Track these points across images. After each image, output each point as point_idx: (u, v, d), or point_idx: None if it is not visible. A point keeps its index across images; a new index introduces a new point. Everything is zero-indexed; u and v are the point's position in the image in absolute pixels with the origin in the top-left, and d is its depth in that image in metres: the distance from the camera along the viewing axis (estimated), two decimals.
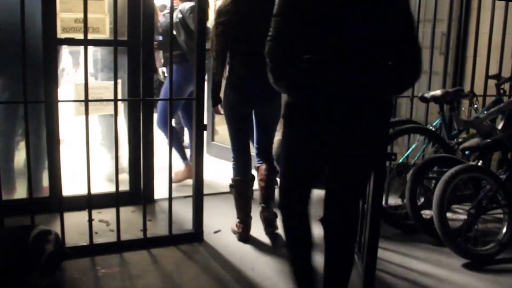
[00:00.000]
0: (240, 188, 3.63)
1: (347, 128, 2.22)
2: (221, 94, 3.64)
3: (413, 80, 2.36)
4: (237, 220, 3.68)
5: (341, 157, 2.31)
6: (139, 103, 3.76)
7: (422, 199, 3.89)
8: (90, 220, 3.26)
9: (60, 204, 3.21)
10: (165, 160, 3.53)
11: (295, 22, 2.17)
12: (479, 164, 3.71)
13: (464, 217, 3.67)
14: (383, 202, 3.88)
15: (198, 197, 3.54)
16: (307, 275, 2.45)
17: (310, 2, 2.14)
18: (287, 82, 2.27)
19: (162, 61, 5.21)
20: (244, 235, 3.62)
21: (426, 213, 3.75)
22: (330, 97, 2.18)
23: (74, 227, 3.53)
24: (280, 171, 2.54)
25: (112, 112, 3.34)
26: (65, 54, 4.80)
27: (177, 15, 4.50)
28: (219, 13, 3.41)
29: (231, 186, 3.76)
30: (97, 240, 3.35)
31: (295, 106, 2.29)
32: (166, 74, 5.28)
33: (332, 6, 2.13)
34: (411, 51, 2.28)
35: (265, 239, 3.64)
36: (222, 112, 3.76)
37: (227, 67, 3.53)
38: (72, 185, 4.18)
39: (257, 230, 3.76)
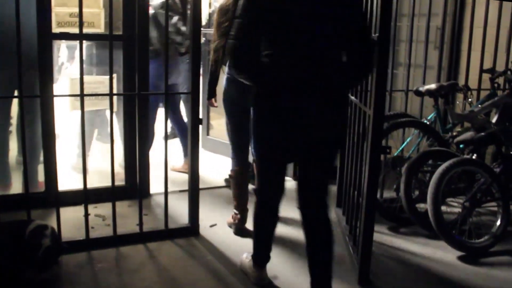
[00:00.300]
0: (239, 179, 3.65)
1: (309, 115, 2.43)
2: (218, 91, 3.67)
3: (367, 72, 2.65)
4: (234, 212, 3.69)
5: (307, 140, 2.51)
6: (135, 97, 3.75)
7: (417, 193, 3.91)
8: (86, 214, 3.26)
9: (57, 198, 3.22)
10: (161, 155, 3.54)
11: (256, 23, 2.41)
12: (474, 157, 3.73)
13: (459, 210, 3.69)
14: (378, 195, 3.91)
15: (194, 191, 3.54)
16: (268, 246, 2.96)
17: (271, 4, 2.37)
18: (248, 74, 2.51)
19: None
20: (240, 227, 3.64)
21: (421, 206, 3.77)
22: (291, 88, 2.40)
23: (70, 222, 3.53)
24: (255, 157, 2.80)
25: (107, 106, 3.34)
26: (63, 48, 4.78)
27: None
28: (221, 11, 3.41)
29: (229, 177, 3.79)
30: (94, 234, 3.35)
31: (261, 96, 2.52)
32: None
33: (293, 7, 2.35)
34: (365, 47, 2.52)
35: None
36: (216, 105, 3.79)
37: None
38: (68, 180, 4.20)
39: (251, 224, 3.77)
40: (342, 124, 2.62)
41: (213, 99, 3.81)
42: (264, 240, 2.94)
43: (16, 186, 3.91)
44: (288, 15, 2.35)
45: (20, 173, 3.89)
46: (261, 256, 2.96)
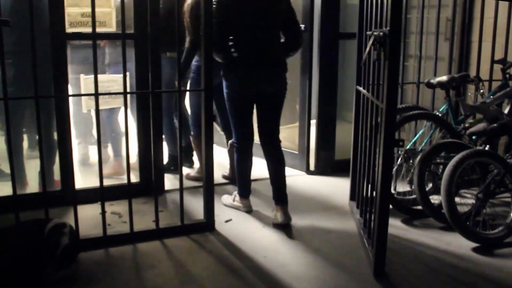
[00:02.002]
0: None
1: (264, 74, 3.66)
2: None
3: (297, 47, 3.84)
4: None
5: (260, 92, 3.69)
6: (148, 95, 3.79)
7: (430, 185, 3.92)
8: (103, 212, 3.30)
9: (74, 197, 3.26)
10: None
11: (223, 21, 3.56)
12: (486, 148, 3.73)
13: (472, 201, 3.69)
14: (392, 188, 3.91)
15: (208, 186, 3.57)
16: (249, 181, 4.00)
17: (232, 7, 3.57)
18: (223, 54, 3.63)
19: None
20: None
21: (435, 198, 3.78)
22: (248, 60, 3.61)
23: (87, 219, 3.58)
24: (230, 116, 3.79)
25: (121, 105, 3.37)
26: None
27: None
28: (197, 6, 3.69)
29: (231, 146, 4.15)
30: (111, 231, 3.40)
31: (228, 66, 3.65)
32: None
33: (246, 8, 3.59)
34: (295, 30, 3.77)
35: (275, 228, 3.68)
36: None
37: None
38: (83, 178, 4.25)
39: (268, 219, 3.81)
40: (283, 82, 3.73)
41: None
42: (247, 177, 3.94)
43: (32, 185, 3.96)
44: (243, 13, 3.58)
45: (35, 172, 3.94)
46: (246, 190, 3.96)
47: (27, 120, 4.02)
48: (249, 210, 3.96)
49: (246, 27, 3.60)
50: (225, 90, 3.70)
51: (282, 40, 3.74)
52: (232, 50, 3.58)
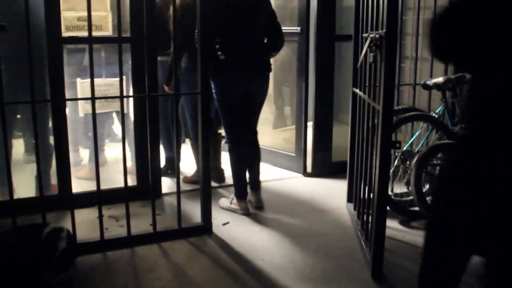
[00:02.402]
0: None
1: (251, 75, 3.80)
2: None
3: (279, 47, 3.96)
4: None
5: (249, 91, 3.84)
6: (145, 99, 3.78)
7: (427, 186, 3.92)
8: (101, 216, 3.29)
9: (71, 201, 3.26)
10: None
11: (210, 23, 3.47)
12: None
13: None
14: (389, 190, 3.92)
15: (206, 189, 3.57)
16: (246, 183, 4.06)
17: (218, 11, 3.63)
18: (213, 55, 3.68)
19: None
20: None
21: None
22: (238, 62, 3.73)
23: (85, 223, 3.58)
24: (221, 116, 3.90)
25: (118, 108, 3.37)
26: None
27: None
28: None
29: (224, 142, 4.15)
30: (108, 235, 3.39)
31: (216, 68, 3.69)
32: None
33: (231, 12, 3.69)
34: (277, 31, 3.92)
35: (272, 229, 3.68)
36: (169, 90, 4.21)
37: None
38: (78, 182, 4.25)
39: (264, 221, 3.81)
40: (267, 81, 3.91)
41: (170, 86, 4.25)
42: (242, 178, 3.98)
43: (27, 190, 3.94)
44: (229, 17, 3.69)
45: (31, 175, 3.92)
46: (242, 191, 3.97)
47: (24, 124, 4.01)
48: (246, 213, 3.96)
49: (232, 30, 3.71)
50: (214, 92, 3.79)
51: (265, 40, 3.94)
52: (219, 53, 3.68)
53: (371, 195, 3.11)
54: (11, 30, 3.10)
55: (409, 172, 3.91)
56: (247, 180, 4.07)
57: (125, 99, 3.62)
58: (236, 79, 3.75)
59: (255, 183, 4.12)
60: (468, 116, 1.84)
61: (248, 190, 4.08)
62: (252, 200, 4.10)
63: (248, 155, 4.02)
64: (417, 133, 4.26)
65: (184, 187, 4.36)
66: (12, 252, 2.78)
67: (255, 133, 4.07)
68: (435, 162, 3.91)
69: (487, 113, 1.74)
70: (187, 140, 4.90)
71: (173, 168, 4.61)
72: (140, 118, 4.01)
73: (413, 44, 4.64)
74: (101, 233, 3.31)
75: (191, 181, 4.61)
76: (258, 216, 3.92)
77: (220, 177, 4.69)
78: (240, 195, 3.99)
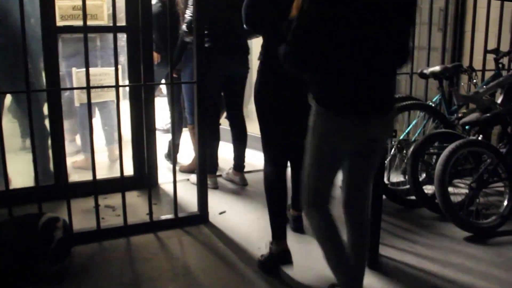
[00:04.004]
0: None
1: (233, 60, 4.06)
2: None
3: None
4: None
5: (231, 75, 4.11)
6: (140, 88, 3.77)
7: (423, 175, 3.93)
8: (97, 205, 3.29)
9: (67, 190, 3.25)
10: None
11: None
12: (480, 138, 3.74)
13: (466, 191, 3.71)
14: (385, 179, 3.92)
15: (202, 178, 3.57)
16: (215, 156, 4.33)
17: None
18: None
19: None
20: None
21: (428, 188, 3.79)
22: (223, 48, 3.96)
23: (81, 213, 3.57)
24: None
25: (113, 98, 3.35)
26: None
27: None
28: None
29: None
30: (104, 225, 3.39)
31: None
32: None
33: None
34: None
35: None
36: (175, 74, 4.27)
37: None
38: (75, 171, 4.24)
39: (260, 210, 3.81)
40: (247, 64, 4.16)
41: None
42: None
43: (27, 179, 3.93)
44: (216, 6, 3.84)
45: (27, 164, 3.90)
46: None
47: (21, 112, 3.99)
48: (215, 187, 4.24)
49: (218, 19, 3.88)
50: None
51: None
52: (206, 39, 3.77)
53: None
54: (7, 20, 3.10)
55: (405, 161, 3.91)
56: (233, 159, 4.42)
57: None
58: (220, 64, 4.01)
59: (242, 164, 4.41)
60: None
61: (230, 170, 4.44)
62: (237, 179, 4.38)
63: (236, 139, 4.33)
64: (413, 122, 4.26)
65: (180, 176, 4.35)
66: (8, 242, 2.78)
67: (243, 118, 4.36)
68: (431, 151, 3.91)
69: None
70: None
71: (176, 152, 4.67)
72: (136, 107, 3.99)
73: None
74: (97, 223, 3.30)
75: (188, 169, 4.63)
76: (254, 205, 3.92)
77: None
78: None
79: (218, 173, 4.46)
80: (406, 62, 2.29)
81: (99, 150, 4.66)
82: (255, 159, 4.59)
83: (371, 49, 2.07)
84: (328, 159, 2.29)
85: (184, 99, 4.47)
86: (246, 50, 4.17)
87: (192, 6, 3.65)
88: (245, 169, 4.44)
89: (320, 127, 2.22)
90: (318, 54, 2.09)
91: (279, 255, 2.97)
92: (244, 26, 2.83)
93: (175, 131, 4.66)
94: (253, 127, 4.14)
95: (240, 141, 4.36)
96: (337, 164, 2.34)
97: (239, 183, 4.38)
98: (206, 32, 3.72)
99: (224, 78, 4.08)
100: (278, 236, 2.99)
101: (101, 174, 3.75)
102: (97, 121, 4.82)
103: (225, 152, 4.73)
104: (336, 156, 2.29)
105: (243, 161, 4.40)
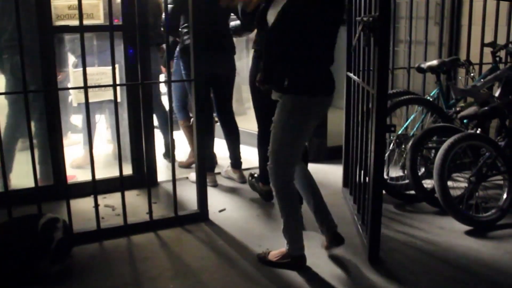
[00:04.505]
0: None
1: (218, 58, 4.10)
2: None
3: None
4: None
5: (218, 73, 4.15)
6: (138, 87, 3.76)
7: (422, 169, 3.93)
8: (96, 205, 3.29)
9: (66, 191, 3.24)
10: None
11: (180, 10, 3.90)
12: (478, 132, 3.74)
13: (465, 185, 3.71)
14: (384, 174, 3.92)
15: (201, 176, 3.56)
16: (213, 153, 4.45)
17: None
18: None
19: None
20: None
21: (427, 183, 3.80)
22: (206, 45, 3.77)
23: (81, 213, 3.57)
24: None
25: (111, 97, 3.35)
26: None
27: None
28: None
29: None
30: (104, 225, 3.39)
31: (182, 51, 4.04)
32: None
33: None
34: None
35: (269, 215, 3.68)
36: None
37: None
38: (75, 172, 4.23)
39: (260, 207, 3.81)
40: (233, 63, 4.27)
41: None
42: (211, 152, 4.38)
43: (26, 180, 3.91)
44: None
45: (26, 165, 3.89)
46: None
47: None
48: (214, 185, 4.27)
49: (207, 20, 3.76)
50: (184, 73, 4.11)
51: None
52: (185, 37, 3.95)
53: (367, 179, 3.11)
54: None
55: (404, 155, 3.92)
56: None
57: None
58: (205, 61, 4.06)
59: (239, 162, 4.43)
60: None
61: (228, 167, 4.44)
62: (236, 177, 4.40)
63: (228, 136, 4.38)
64: (412, 117, 4.26)
65: (180, 174, 4.34)
66: (8, 243, 2.78)
67: (232, 116, 4.39)
68: (430, 145, 3.91)
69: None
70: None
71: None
72: (133, 106, 3.99)
73: (406, 28, 4.62)
74: (97, 223, 3.30)
75: (188, 164, 4.68)
76: (254, 202, 3.92)
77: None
78: (210, 169, 4.14)
79: (217, 171, 4.48)
80: None
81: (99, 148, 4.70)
82: (251, 155, 4.62)
83: (326, 46, 2.79)
84: (304, 137, 2.88)
85: (173, 97, 4.47)
86: (231, 49, 4.25)
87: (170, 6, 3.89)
88: (243, 166, 4.44)
89: (298, 110, 2.71)
90: (292, 56, 2.66)
91: (299, 261, 2.95)
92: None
93: (164, 130, 4.71)
94: (249, 124, 4.16)
95: (232, 140, 4.39)
96: (307, 140, 3.02)
97: (238, 181, 4.39)
98: (186, 27, 3.91)
99: (211, 75, 4.04)
100: (302, 245, 2.95)
101: (100, 173, 3.73)
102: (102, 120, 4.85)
103: (224, 150, 4.72)
104: (309, 132, 2.90)
105: (239, 158, 4.42)
